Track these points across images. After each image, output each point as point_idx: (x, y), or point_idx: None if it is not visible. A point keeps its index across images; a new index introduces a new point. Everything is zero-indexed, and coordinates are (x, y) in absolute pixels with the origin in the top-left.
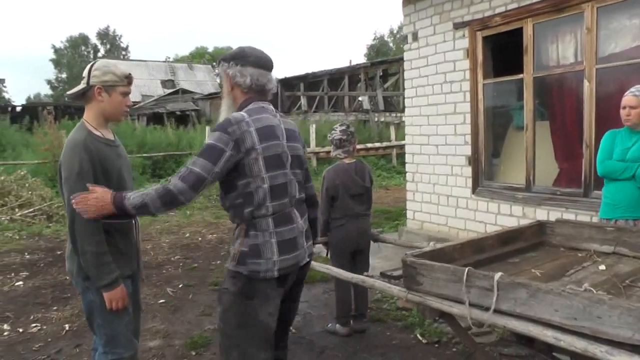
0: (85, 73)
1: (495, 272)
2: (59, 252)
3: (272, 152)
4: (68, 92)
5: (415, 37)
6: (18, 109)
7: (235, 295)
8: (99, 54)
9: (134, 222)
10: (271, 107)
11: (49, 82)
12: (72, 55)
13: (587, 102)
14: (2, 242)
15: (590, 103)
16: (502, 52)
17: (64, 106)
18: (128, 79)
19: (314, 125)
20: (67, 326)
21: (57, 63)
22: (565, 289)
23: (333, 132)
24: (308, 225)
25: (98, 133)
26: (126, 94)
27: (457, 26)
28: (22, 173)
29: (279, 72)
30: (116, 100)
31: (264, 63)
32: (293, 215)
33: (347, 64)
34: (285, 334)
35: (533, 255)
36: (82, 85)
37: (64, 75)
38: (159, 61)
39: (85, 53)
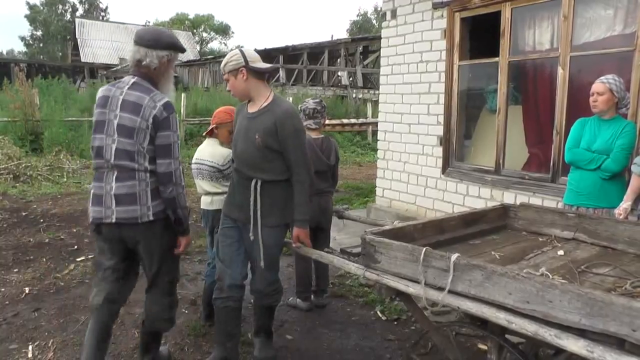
0: None
1: (455, 253)
2: (24, 213)
3: (95, 117)
4: None
5: (394, 15)
6: None
7: None
8: (77, 14)
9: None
10: (131, 79)
11: (22, 38)
12: (49, 13)
13: (560, 89)
14: None
15: (563, 90)
16: (479, 34)
17: (38, 64)
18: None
19: (290, 98)
20: (27, 289)
21: (32, 20)
22: (519, 273)
23: (305, 102)
24: (132, 192)
25: (246, 106)
26: (228, 81)
27: (436, 6)
28: None
29: (260, 42)
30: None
31: (138, 39)
32: (106, 177)
33: (329, 39)
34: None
35: (495, 237)
36: None
37: (39, 33)
38: (139, 25)
39: (63, 12)
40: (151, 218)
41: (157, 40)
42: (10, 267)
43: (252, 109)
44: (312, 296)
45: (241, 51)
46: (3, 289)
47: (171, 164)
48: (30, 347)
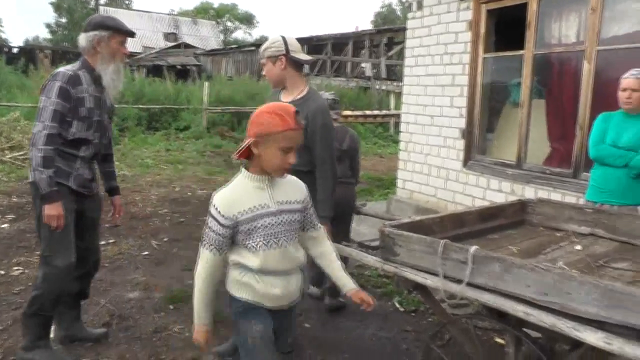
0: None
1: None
2: None
3: None
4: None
5: (419, 6)
6: (15, 50)
7: None
8: (101, 1)
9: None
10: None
11: (48, 25)
12: (74, 1)
13: (584, 84)
14: None
15: (587, 84)
16: (505, 26)
17: (62, 51)
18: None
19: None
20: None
21: (57, 7)
22: (538, 265)
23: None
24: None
25: (280, 94)
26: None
27: None
28: (14, 115)
29: (284, 32)
30: None
31: None
32: None
33: (353, 30)
34: None
35: (512, 232)
36: None
37: (63, 20)
38: (163, 13)
39: None
40: (30, 179)
41: (87, 23)
42: (33, 250)
43: (285, 98)
44: (326, 295)
45: (283, 38)
46: (27, 271)
47: (36, 125)
48: None
